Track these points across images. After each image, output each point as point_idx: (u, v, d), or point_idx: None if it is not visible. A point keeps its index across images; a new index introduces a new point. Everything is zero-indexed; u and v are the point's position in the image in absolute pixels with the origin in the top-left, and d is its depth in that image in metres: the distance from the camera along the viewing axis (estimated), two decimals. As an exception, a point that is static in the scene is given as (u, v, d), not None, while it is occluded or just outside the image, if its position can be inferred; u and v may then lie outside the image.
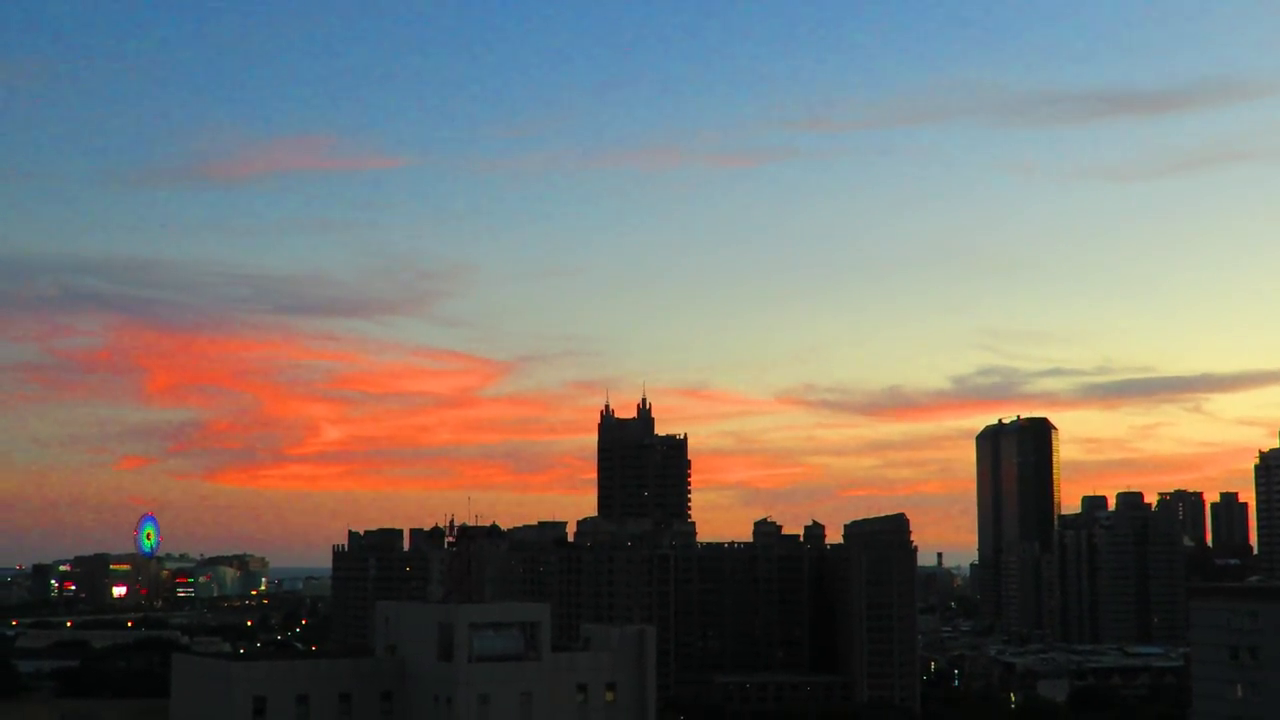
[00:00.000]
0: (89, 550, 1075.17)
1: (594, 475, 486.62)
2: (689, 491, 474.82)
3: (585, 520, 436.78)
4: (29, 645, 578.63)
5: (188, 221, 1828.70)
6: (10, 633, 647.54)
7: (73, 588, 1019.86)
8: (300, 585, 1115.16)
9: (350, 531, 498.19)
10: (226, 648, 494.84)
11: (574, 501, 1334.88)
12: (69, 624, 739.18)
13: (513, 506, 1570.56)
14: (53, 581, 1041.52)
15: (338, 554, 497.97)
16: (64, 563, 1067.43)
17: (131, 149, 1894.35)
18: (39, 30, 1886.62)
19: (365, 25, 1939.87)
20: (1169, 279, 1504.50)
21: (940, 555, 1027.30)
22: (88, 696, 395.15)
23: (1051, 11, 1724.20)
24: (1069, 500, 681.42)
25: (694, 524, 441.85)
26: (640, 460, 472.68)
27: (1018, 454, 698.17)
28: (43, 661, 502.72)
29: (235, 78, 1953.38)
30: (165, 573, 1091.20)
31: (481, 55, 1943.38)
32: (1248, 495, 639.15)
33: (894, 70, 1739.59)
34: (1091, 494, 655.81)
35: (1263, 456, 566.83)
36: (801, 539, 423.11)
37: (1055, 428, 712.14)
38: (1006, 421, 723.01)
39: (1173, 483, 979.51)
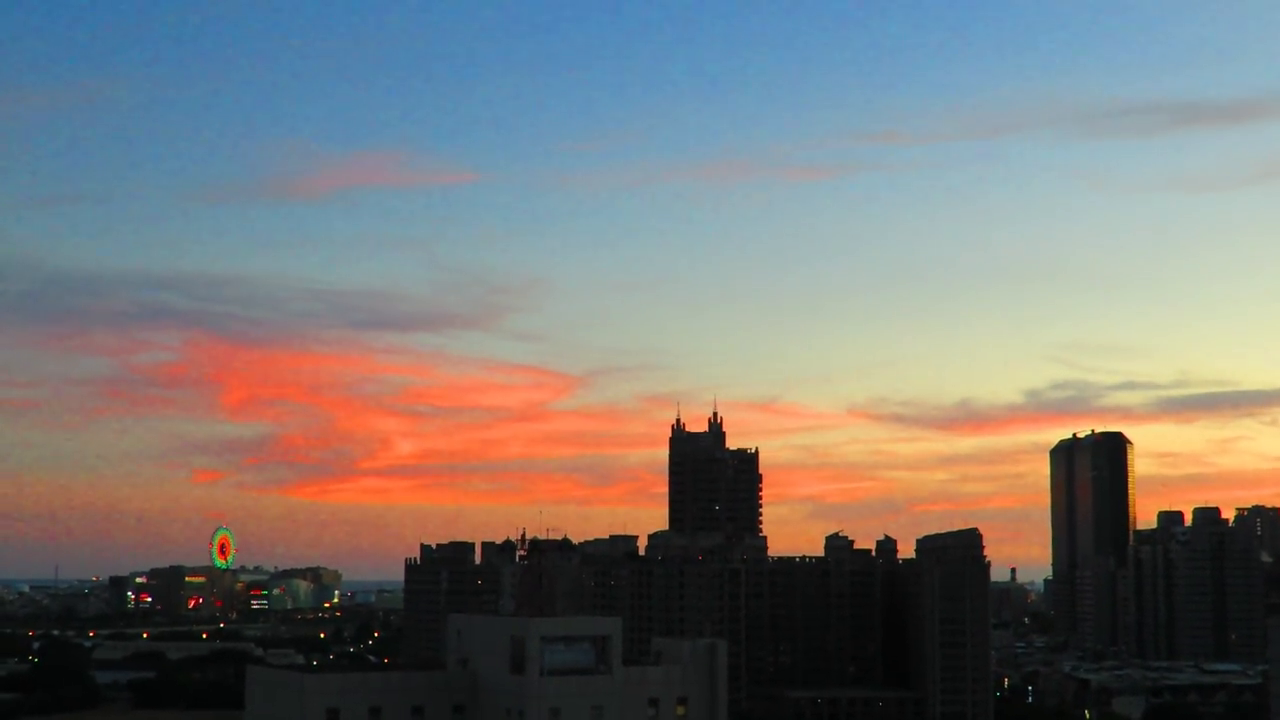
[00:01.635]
0: (165, 562, 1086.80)
1: (665, 489, 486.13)
2: (760, 505, 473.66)
3: (656, 534, 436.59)
4: (106, 656, 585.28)
5: (262, 238, 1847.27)
6: (87, 644, 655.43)
7: (148, 599, 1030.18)
8: (373, 598, 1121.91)
9: (422, 545, 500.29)
10: (300, 660, 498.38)
11: (645, 515, 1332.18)
12: (145, 635, 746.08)
13: (584, 520, 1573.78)
14: (129, 593, 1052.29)
15: (410, 567, 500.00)
16: (140, 574, 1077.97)
17: (207, 167, 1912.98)
18: (115, 52, 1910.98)
19: (437, 43, 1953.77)
20: (1245, 291, 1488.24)
21: (1014, 570, 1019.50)
22: (163, 708, 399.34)
23: (1126, 22, 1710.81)
24: (1144, 515, 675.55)
25: (765, 538, 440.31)
26: (711, 474, 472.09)
27: (1092, 468, 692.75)
28: (119, 673, 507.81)
29: (309, 96, 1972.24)
30: (239, 585, 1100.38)
31: (553, 71, 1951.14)
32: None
33: (967, 82, 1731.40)
34: (1168, 509, 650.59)
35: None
36: (873, 553, 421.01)
37: (1130, 442, 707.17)
38: (1081, 435, 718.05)
39: (1250, 498, 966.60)
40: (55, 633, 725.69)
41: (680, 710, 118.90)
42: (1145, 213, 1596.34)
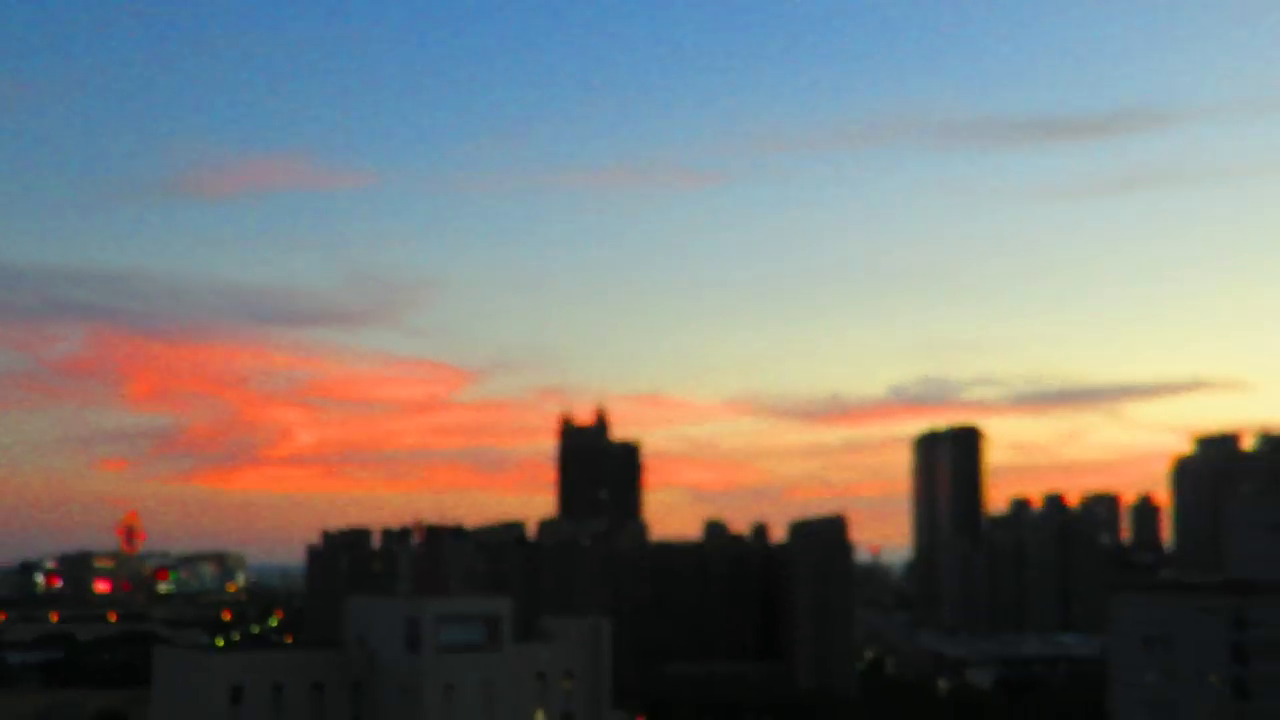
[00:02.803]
0: (73, 548, 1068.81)
1: (554, 478, 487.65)
2: (642, 493, 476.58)
3: (546, 520, 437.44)
4: (15, 638, 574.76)
5: (168, 235, 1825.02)
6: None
7: (58, 583, 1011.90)
8: (276, 581, 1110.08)
9: (323, 531, 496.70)
10: (205, 640, 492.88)
11: (535, 502, 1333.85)
12: (54, 618, 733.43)
13: (477, 507, 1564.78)
14: (38, 577, 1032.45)
15: (311, 552, 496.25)
16: (49, 559, 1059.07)
17: (112, 165, 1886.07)
18: (23, 53, 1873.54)
19: (336, 48, 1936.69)
20: (1092, 295, 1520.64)
21: (877, 552, 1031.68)
22: (72, 687, 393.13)
23: (990, 41, 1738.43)
24: (997, 502, 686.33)
25: (647, 524, 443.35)
26: (597, 464, 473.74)
27: (950, 458, 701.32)
28: (29, 654, 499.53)
29: (214, 98, 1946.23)
30: (146, 569, 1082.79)
31: (448, 77, 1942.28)
32: (1162, 497, 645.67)
33: (841, 96, 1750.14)
34: (1018, 496, 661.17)
35: (1178, 462, 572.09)
36: (748, 537, 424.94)
37: (984, 434, 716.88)
38: (940, 429, 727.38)
39: (1093, 485, 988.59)
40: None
41: (566, 685, 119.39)
42: (1003, 221, 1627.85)
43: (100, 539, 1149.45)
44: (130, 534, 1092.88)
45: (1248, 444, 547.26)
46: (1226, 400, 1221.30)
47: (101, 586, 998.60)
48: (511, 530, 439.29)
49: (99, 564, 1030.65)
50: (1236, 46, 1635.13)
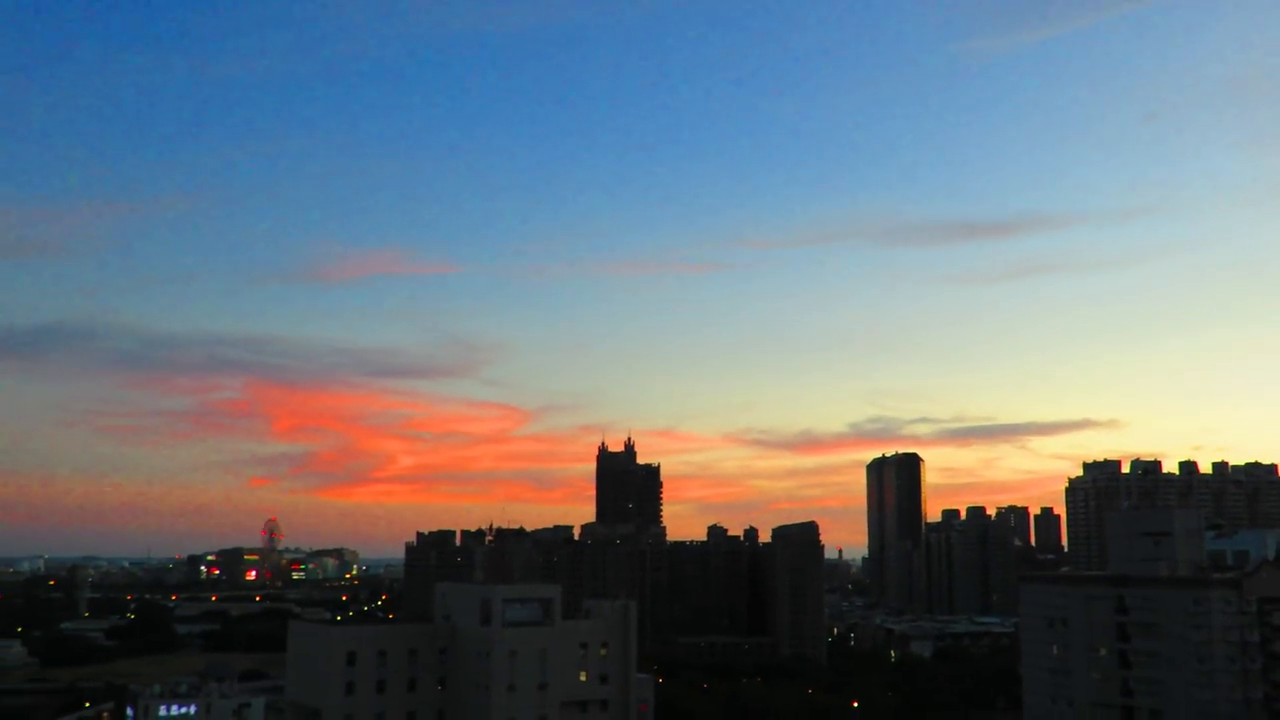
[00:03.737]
0: (229, 545, 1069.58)
1: (593, 492, 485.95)
2: (661, 504, 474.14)
3: (587, 525, 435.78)
4: (184, 614, 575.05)
5: (303, 310, 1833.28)
6: (170, 604, 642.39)
7: (216, 572, 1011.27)
8: (381, 571, 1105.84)
9: (418, 532, 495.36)
10: (327, 616, 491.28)
11: (579, 511, 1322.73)
12: (213, 598, 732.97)
13: (534, 515, 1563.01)
14: (202, 567, 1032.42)
15: (409, 548, 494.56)
16: (210, 554, 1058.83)
17: (262, 258, 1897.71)
18: (192, 171, 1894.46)
19: (429, 171, 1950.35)
20: (1002, 355, 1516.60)
21: (840, 550, 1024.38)
22: (226, 651, 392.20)
23: (920, 164, 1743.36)
24: (932, 512, 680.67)
25: (664, 528, 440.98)
26: (626, 482, 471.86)
27: (896, 479, 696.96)
28: (194, 625, 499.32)
29: (337, 207, 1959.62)
30: (284, 561, 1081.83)
31: (515, 192, 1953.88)
32: (1059, 509, 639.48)
33: (805, 206, 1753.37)
34: (949, 508, 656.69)
35: (1071, 482, 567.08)
36: (741, 539, 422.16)
37: (922, 460, 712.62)
38: (888, 455, 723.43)
39: (1006, 500, 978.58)
40: (147, 596, 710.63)
41: (603, 651, 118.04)
42: (933, 299, 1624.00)
43: (250, 539, 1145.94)
44: (272, 535, 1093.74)
45: (1124, 469, 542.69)
46: (1108, 435, 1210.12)
47: (250, 575, 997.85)
48: (561, 532, 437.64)
49: (248, 557, 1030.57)
50: (1107, 164, 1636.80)
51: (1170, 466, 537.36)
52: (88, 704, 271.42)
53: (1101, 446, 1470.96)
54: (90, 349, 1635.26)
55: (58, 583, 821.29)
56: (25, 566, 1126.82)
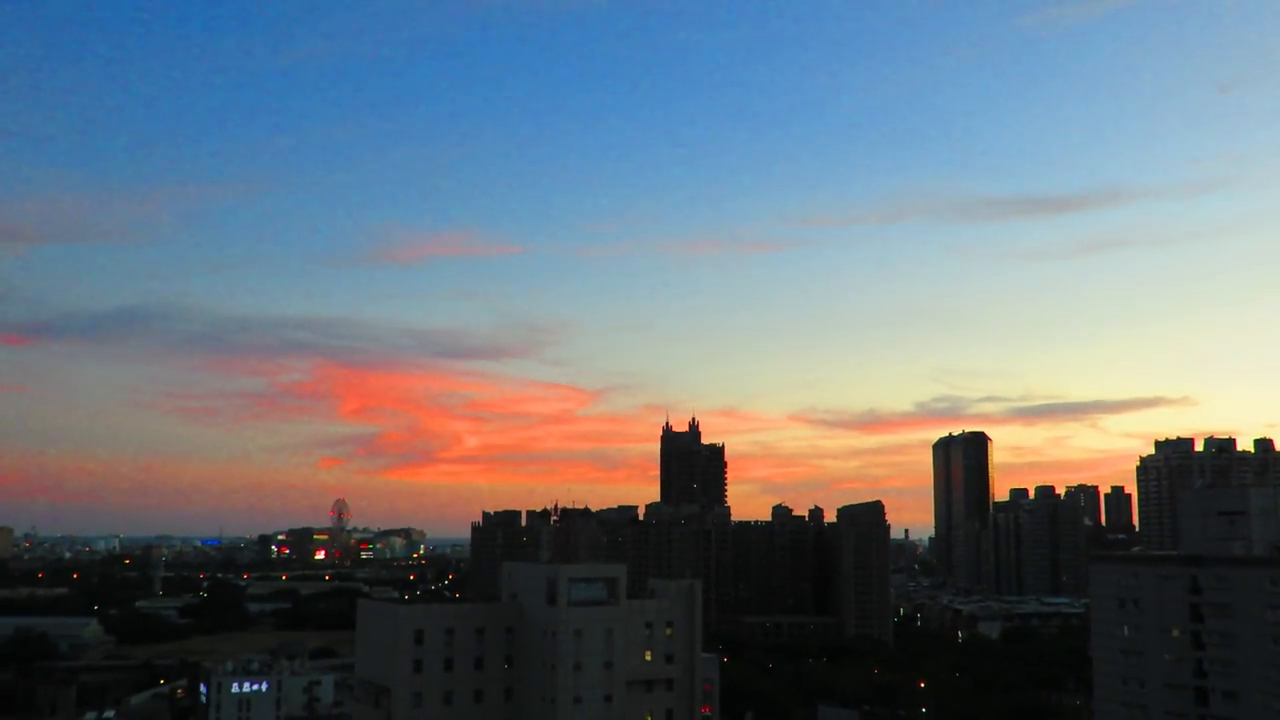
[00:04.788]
0: (299, 525, 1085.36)
1: (657, 473, 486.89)
2: (725, 484, 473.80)
3: (651, 505, 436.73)
4: (255, 592, 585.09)
5: (371, 292, 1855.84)
6: (242, 584, 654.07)
7: (287, 551, 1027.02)
8: (448, 551, 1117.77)
9: (484, 512, 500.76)
10: (396, 595, 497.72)
11: (643, 491, 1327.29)
12: (284, 577, 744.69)
13: (599, 495, 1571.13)
14: (273, 547, 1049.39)
15: (475, 528, 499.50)
16: (280, 534, 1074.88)
17: (330, 241, 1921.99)
18: (265, 157, 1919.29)
19: (496, 154, 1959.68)
20: (1072, 332, 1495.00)
21: (906, 531, 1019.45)
22: (297, 629, 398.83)
23: (990, 140, 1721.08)
24: (1000, 492, 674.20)
25: (729, 508, 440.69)
26: (691, 462, 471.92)
27: (963, 458, 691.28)
28: (265, 604, 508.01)
29: (404, 190, 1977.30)
30: (352, 541, 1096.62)
31: (579, 175, 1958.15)
32: (1130, 488, 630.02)
33: (873, 182, 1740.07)
34: (1017, 487, 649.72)
35: (1142, 460, 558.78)
36: (806, 519, 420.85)
37: (990, 439, 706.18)
38: (955, 434, 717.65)
39: (1076, 479, 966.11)
40: (219, 575, 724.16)
41: (669, 631, 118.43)
42: (1000, 276, 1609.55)
43: (319, 518, 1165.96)
44: (341, 515, 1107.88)
45: (1197, 447, 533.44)
46: (1180, 413, 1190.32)
47: (319, 554, 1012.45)
48: (626, 512, 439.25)
49: (317, 537, 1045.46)
50: (1180, 137, 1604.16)
51: (1245, 444, 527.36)
52: (163, 680, 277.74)
53: (1174, 424, 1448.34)
54: (163, 332, 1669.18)
55: (133, 562, 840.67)
56: (101, 546, 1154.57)
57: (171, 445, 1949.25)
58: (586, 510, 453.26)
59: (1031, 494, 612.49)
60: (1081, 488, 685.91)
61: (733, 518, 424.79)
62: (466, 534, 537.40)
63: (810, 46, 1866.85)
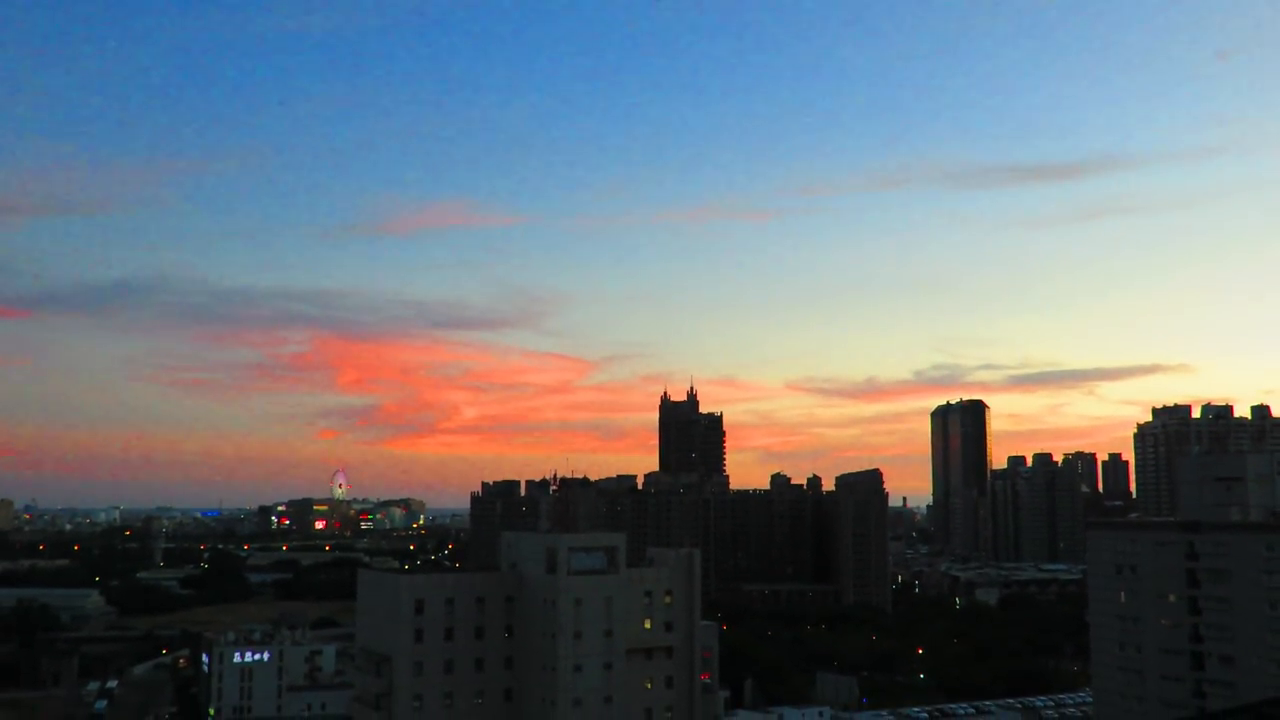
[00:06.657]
0: (298, 496, 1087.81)
1: (656, 442, 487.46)
2: (724, 453, 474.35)
3: (650, 474, 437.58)
4: (256, 563, 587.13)
5: (368, 263, 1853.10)
6: (243, 554, 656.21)
7: (287, 522, 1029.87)
8: (448, 521, 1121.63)
9: (483, 482, 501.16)
10: (396, 565, 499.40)
11: (642, 461, 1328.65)
12: (284, 548, 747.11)
13: (598, 465, 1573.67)
14: (273, 518, 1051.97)
15: (474, 498, 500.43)
16: (280, 505, 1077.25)
17: (328, 211, 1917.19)
18: (261, 129, 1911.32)
19: (494, 124, 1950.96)
20: (1069, 299, 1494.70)
21: (905, 499, 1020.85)
22: (298, 599, 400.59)
23: (986, 104, 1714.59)
24: (998, 459, 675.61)
25: (728, 477, 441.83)
26: (689, 431, 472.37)
27: (961, 426, 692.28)
28: (265, 574, 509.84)
29: (401, 161, 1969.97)
30: (352, 512, 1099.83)
31: (577, 143, 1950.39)
32: (1128, 455, 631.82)
33: (869, 150, 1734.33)
34: (1015, 454, 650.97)
35: (1140, 427, 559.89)
36: (805, 487, 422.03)
37: (988, 407, 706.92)
38: (952, 402, 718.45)
39: (1073, 446, 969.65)
40: (220, 546, 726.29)
41: (668, 599, 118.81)
42: (998, 244, 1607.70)
43: (319, 489, 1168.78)
44: (340, 485, 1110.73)
45: (1195, 414, 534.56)
46: (1177, 380, 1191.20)
47: (319, 524, 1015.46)
48: (624, 482, 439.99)
49: (317, 508, 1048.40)
50: (1178, 103, 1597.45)
51: (1242, 411, 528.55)
52: (165, 651, 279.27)
53: (1171, 391, 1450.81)
54: (160, 304, 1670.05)
55: (133, 533, 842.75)
56: (102, 518, 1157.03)
57: (171, 417, 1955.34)
58: (585, 480, 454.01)
59: (1029, 461, 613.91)
60: (1079, 455, 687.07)
61: (731, 486, 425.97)
62: (466, 504, 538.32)
63: (809, 14, 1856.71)
